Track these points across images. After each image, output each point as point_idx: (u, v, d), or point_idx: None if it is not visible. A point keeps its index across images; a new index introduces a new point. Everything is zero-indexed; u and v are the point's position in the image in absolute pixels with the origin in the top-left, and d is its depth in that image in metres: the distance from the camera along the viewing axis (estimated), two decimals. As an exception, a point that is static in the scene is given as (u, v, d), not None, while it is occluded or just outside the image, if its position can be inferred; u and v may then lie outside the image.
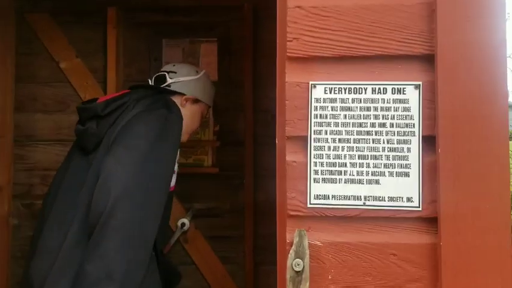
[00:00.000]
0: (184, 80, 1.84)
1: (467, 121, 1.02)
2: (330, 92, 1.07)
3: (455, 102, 1.02)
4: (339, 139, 1.07)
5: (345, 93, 1.07)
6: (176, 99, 1.82)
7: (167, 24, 2.43)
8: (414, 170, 1.05)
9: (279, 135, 1.07)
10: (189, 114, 1.83)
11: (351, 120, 1.07)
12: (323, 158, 1.07)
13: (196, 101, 1.87)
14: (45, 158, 2.43)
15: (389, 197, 1.05)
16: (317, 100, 1.07)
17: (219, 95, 2.25)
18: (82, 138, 1.63)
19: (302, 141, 1.07)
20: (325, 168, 1.07)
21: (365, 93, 1.06)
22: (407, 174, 1.05)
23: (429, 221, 1.04)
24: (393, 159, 1.06)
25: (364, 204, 1.05)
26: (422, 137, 1.05)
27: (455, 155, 1.01)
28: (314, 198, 1.07)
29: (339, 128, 1.07)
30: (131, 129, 1.52)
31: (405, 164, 1.06)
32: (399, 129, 1.06)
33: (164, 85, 1.87)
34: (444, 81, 1.03)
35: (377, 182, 1.06)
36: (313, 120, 1.07)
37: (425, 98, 1.05)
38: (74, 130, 1.72)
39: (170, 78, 1.86)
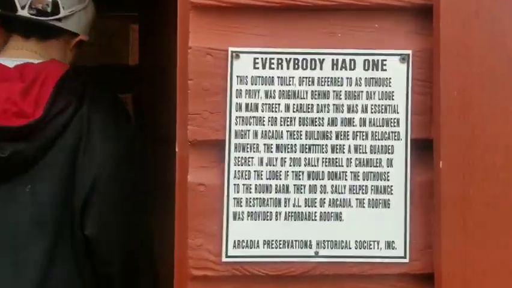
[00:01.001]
0: (77, 11, 1.36)
1: (489, 116, 0.83)
2: (264, 66, 0.86)
3: (468, 84, 0.82)
4: (278, 146, 0.86)
5: (288, 68, 0.86)
6: (61, 43, 1.34)
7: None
8: (398, 197, 0.86)
9: (179, 139, 0.86)
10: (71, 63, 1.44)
11: (298, 115, 0.86)
12: (249, 179, 0.85)
13: (81, 43, 1.44)
14: None
15: (356, 241, 0.86)
16: (242, 79, 0.86)
17: (142, 83, 2.16)
18: None
19: (216, 149, 0.86)
20: (253, 195, 0.85)
21: (321, 68, 0.86)
22: (386, 204, 0.86)
23: (422, 279, 0.86)
24: (365, 178, 0.86)
25: (316, 255, 0.85)
26: (412, 141, 0.87)
27: (467, 173, 0.82)
28: (234, 246, 0.85)
29: (278, 128, 0.86)
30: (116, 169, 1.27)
31: (384, 187, 0.86)
32: (374, 128, 0.86)
33: (54, 18, 1.31)
34: (449, 48, 0.82)
35: (338, 216, 0.86)
36: (235, 113, 0.86)
37: (416, 78, 0.87)
38: None
39: (63, 7, 1.37)
